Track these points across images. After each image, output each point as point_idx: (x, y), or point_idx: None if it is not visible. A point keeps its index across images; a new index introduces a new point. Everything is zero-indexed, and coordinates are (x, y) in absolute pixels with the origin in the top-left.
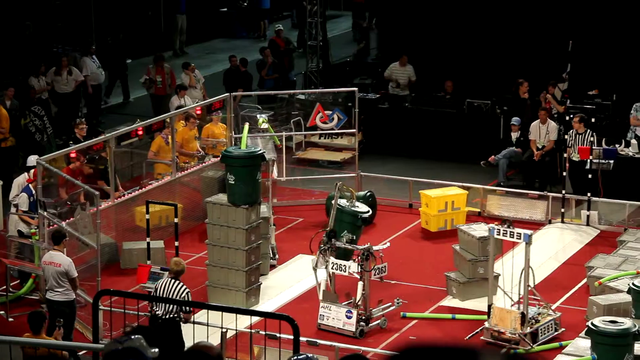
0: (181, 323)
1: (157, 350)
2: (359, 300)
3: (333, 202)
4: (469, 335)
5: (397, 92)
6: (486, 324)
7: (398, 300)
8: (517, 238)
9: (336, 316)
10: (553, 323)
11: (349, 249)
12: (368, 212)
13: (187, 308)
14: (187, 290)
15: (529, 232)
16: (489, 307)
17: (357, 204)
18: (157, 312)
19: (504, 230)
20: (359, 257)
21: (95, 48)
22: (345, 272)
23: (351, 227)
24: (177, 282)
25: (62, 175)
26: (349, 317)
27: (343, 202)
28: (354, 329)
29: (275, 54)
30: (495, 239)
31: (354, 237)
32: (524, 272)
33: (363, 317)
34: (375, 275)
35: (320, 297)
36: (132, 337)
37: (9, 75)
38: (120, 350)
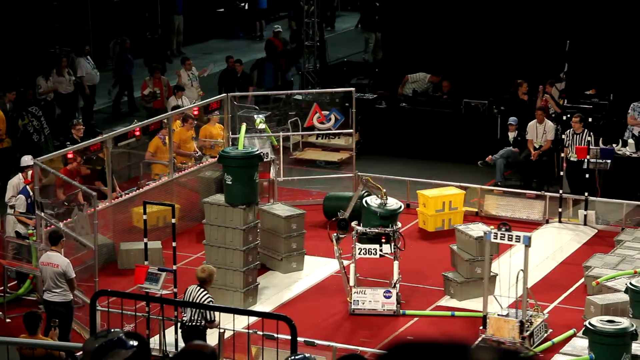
0: (206, 330)
1: (136, 342)
2: (397, 281)
3: (355, 193)
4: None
5: (407, 92)
6: (483, 335)
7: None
8: (515, 241)
9: (373, 298)
10: (543, 324)
11: (373, 233)
12: (400, 208)
13: (211, 317)
14: (210, 299)
15: (528, 234)
16: (485, 317)
17: (389, 200)
18: (184, 319)
19: (501, 234)
20: (391, 238)
21: (90, 49)
22: (376, 254)
23: (378, 220)
24: (202, 289)
25: (60, 176)
26: (387, 297)
27: (373, 199)
28: (394, 308)
29: (273, 54)
30: (492, 242)
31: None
32: (521, 275)
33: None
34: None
35: (352, 283)
36: (111, 330)
37: (9, 76)
38: (106, 343)
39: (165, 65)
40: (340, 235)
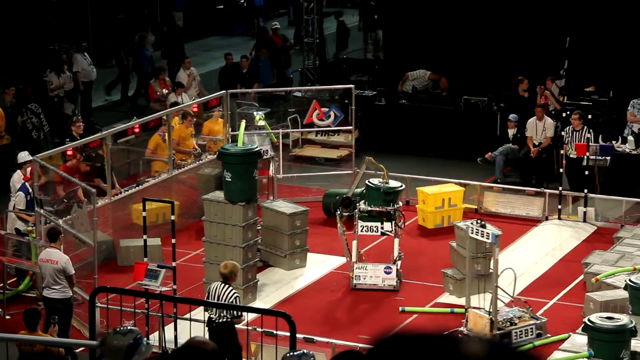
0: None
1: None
2: (398, 256)
3: (359, 170)
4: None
5: (407, 89)
6: (462, 328)
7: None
8: (485, 238)
9: (374, 274)
10: (534, 328)
11: (375, 211)
12: (401, 187)
13: (238, 312)
14: (236, 294)
15: (497, 232)
16: (466, 310)
17: (390, 181)
18: (211, 317)
19: (475, 229)
20: (392, 216)
21: (87, 45)
22: (377, 232)
23: (380, 198)
24: (226, 285)
25: (59, 172)
26: (388, 273)
27: (376, 180)
28: (394, 284)
29: (272, 51)
30: (471, 237)
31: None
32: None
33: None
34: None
35: (354, 259)
36: (128, 327)
37: (8, 73)
38: (135, 341)
39: (185, 55)
40: (344, 213)
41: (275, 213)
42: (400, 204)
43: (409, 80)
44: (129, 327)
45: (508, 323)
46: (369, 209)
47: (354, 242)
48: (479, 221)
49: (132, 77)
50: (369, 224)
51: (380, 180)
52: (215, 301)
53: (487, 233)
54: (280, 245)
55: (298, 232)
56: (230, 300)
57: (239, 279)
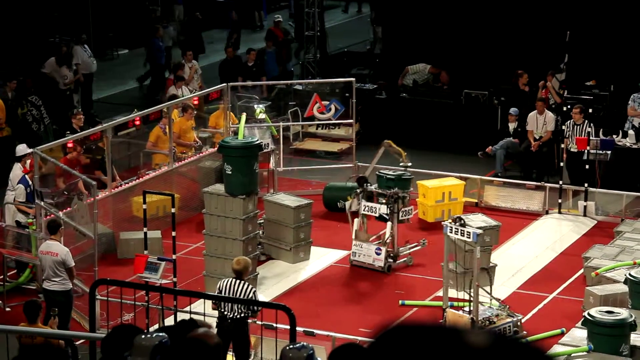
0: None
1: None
2: (387, 239)
3: (376, 154)
4: None
5: (407, 83)
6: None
7: (424, 240)
8: (467, 237)
9: (367, 253)
10: (511, 325)
11: (381, 193)
12: (404, 175)
13: (256, 309)
14: (254, 290)
15: (478, 231)
16: (444, 310)
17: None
18: (224, 312)
19: (455, 228)
20: (387, 200)
21: (86, 37)
22: (375, 213)
23: (385, 183)
24: (242, 282)
25: (60, 165)
26: (378, 254)
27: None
28: (382, 264)
29: (274, 44)
30: (449, 236)
31: (404, 191)
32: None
33: (391, 255)
34: (402, 216)
35: (353, 236)
36: (159, 330)
37: (9, 65)
38: (161, 342)
39: (204, 48)
40: (358, 191)
41: (279, 206)
42: (407, 193)
43: (409, 74)
44: (157, 328)
45: (487, 322)
46: (373, 190)
47: (356, 220)
48: (459, 219)
49: (146, 68)
50: (371, 204)
51: (402, 161)
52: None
53: (468, 232)
54: (285, 238)
55: (303, 224)
56: (249, 296)
57: None
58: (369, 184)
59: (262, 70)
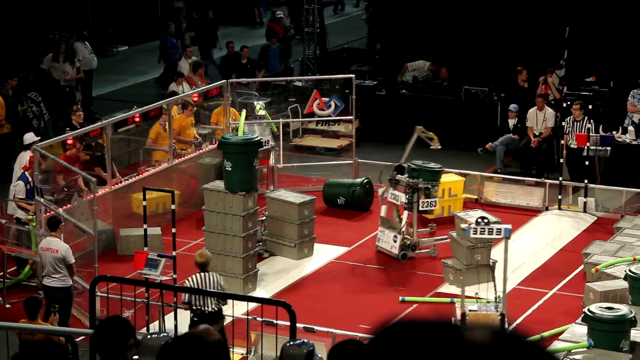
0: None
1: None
2: (402, 227)
3: (410, 140)
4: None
5: (407, 79)
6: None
7: (432, 225)
8: (497, 234)
9: (387, 240)
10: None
11: (405, 183)
12: (435, 168)
13: (224, 299)
14: (220, 276)
15: (508, 226)
16: (463, 315)
17: (430, 163)
18: (200, 308)
19: (481, 229)
20: (407, 190)
21: (87, 34)
22: (397, 202)
23: (418, 173)
24: (209, 273)
25: (59, 161)
26: (394, 241)
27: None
28: (397, 252)
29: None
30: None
31: (433, 183)
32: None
33: (408, 244)
34: (422, 207)
35: (379, 223)
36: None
37: (9, 62)
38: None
39: (217, 44)
40: (389, 178)
41: (283, 203)
42: (431, 184)
43: (408, 71)
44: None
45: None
46: (399, 179)
47: (383, 207)
48: (482, 218)
49: (160, 65)
50: (395, 192)
51: (433, 146)
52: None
53: (498, 229)
54: (288, 234)
55: (307, 221)
56: (221, 284)
57: (239, 268)
58: (400, 173)
59: (257, 67)
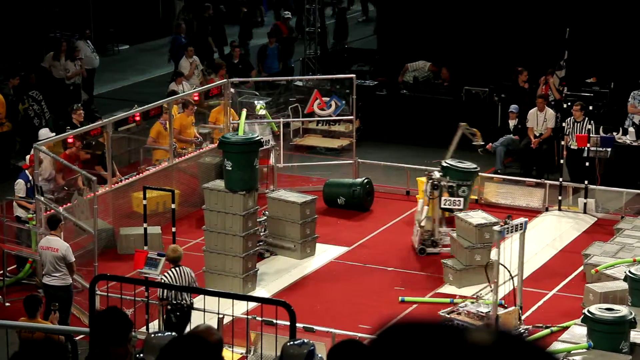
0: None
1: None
2: (421, 221)
3: (455, 137)
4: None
5: (408, 79)
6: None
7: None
8: (519, 230)
9: (416, 233)
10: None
11: (437, 180)
12: (466, 168)
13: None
14: (191, 269)
15: (525, 219)
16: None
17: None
18: (179, 302)
19: (510, 227)
20: (429, 185)
21: (90, 32)
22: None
23: (446, 171)
24: (182, 267)
25: (60, 160)
26: (415, 234)
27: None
28: (416, 245)
29: (278, 40)
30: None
31: (467, 185)
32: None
33: (430, 238)
34: (444, 204)
35: (416, 217)
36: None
37: (10, 61)
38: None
39: (226, 39)
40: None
41: (284, 203)
42: (457, 183)
43: (408, 71)
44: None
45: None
46: (432, 176)
47: (420, 201)
48: (506, 221)
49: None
50: (430, 189)
51: (475, 141)
52: (186, 285)
53: (520, 224)
54: (290, 234)
55: (309, 220)
56: (193, 275)
57: (238, 267)
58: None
59: (250, 67)
